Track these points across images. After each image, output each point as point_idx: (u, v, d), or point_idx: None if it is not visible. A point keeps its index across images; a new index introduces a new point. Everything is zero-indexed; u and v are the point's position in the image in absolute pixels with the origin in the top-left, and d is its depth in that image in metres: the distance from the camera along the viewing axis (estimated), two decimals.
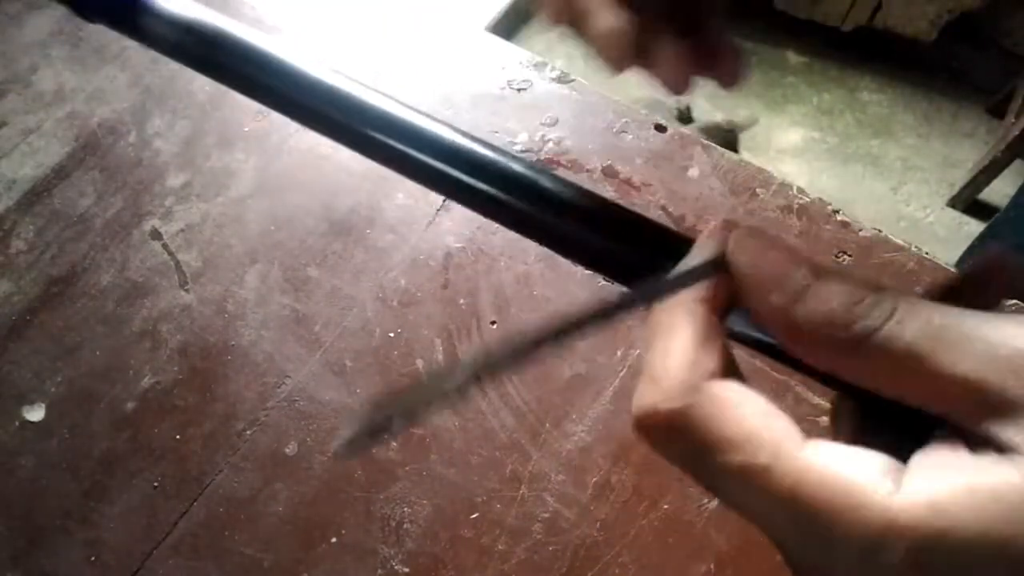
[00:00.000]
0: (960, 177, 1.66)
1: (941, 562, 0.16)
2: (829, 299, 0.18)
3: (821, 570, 0.18)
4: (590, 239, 0.24)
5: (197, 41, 0.26)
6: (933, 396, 0.17)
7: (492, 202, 0.24)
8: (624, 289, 0.23)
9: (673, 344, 0.19)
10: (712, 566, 0.48)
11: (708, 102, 1.82)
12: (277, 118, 0.65)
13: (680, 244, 0.22)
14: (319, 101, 0.25)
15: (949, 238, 1.64)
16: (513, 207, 0.24)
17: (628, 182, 0.60)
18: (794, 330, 0.18)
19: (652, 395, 0.19)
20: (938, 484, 0.16)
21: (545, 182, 0.24)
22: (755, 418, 0.18)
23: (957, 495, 0.16)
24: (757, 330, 0.21)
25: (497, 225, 0.59)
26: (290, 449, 0.52)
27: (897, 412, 0.19)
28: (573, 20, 0.32)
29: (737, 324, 0.21)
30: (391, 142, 0.25)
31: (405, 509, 0.50)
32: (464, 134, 0.25)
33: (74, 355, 0.55)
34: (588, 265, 0.25)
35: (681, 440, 0.18)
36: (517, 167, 0.24)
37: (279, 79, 0.25)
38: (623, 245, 0.24)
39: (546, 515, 0.50)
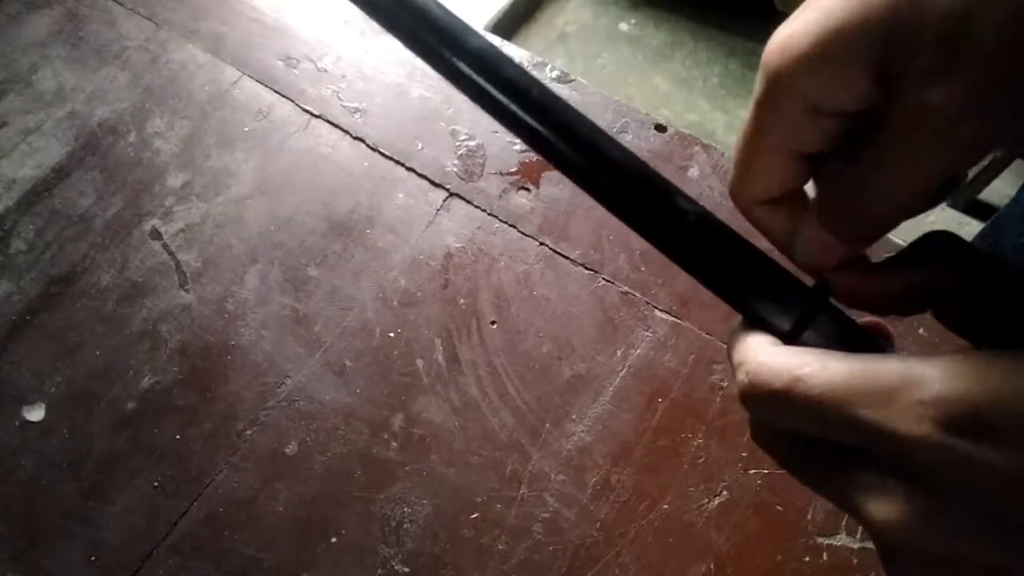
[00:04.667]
0: None
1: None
2: None
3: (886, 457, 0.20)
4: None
5: None
6: None
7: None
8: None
9: (759, 351, 0.24)
10: (712, 566, 0.48)
11: (706, 101, 1.82)
12: (277, 118, 0.65)
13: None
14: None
15: None
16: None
17: None
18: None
19: (760, 377, 0.22)
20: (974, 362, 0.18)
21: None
22: (782, 353, 0.22)
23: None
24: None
25: (497, 225, 0.59)
26: (290, 449, 0.52)
27: None
28: None
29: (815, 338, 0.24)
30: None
31: (405, 509, 0.50)
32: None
33: (74, 355, 0.55)
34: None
35: (779, 404, 0.22)
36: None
37: None
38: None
39: (546, 515, 0.50)
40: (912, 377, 0.19)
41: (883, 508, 0.20)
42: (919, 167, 0.20)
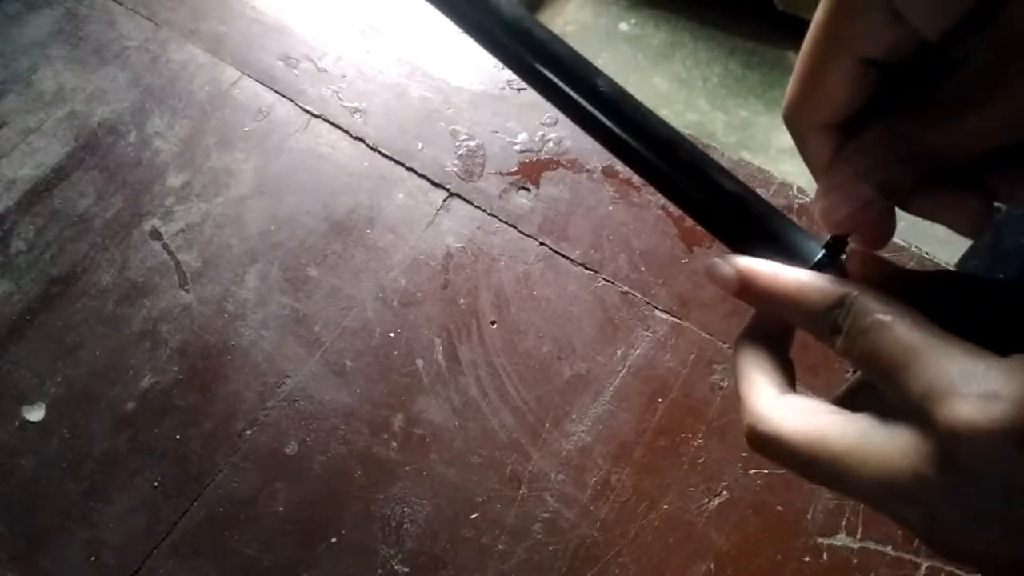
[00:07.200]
0: None
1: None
2: (814, 300, 0.24)
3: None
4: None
5: None
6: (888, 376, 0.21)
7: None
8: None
9: (746, 387, 0.26)
10: (712, 566, 0.48)
11: (706, 101, 1.82)
12: (277, 118, 0.65)
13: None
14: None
15: (949, 238, 1.63)
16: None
17: (628, 182, 0.60)
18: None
19: (745, 419, 0.25)
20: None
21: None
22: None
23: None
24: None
25: (497, 225, 0.59)
26: (290, 449, 0.52)
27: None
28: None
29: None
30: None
31: (405, 509, 0.50)
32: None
33: (74, 355, 0.55)
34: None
35: (767, 443, 0.24)
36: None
37: None
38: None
39: (546, 515, 0.50)
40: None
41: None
42: (1013, 96, 0.19)
